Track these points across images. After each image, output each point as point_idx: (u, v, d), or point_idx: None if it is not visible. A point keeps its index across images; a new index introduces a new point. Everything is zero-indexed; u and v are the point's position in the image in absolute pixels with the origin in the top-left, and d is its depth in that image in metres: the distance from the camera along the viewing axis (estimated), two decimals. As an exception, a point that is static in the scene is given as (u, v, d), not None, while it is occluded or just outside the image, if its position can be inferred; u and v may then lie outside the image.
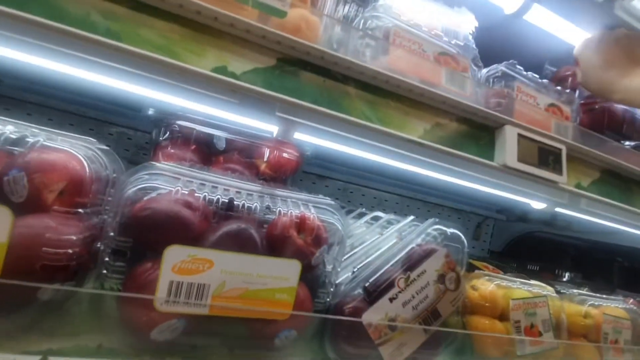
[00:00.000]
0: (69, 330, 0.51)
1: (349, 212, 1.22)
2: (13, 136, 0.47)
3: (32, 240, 0.46)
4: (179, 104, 0.62)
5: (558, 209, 0.85)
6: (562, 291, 0.97)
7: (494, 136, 0.61)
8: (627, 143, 0.95)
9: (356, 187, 1.76)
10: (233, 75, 0.45)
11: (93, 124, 1.39)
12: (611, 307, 0.94)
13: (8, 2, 0.37)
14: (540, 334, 0.78)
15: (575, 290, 0.93)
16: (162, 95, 0.56)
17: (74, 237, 0.49)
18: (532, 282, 0.89)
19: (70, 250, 0.48)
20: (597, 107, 0.97)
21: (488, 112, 0.59)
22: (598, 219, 1.15)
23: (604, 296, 0.96)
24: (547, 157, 0.62)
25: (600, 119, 0.95)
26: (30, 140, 0.48)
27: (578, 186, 0.69)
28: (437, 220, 0.72)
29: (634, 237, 1.41)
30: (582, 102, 1.00)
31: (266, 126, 0.64)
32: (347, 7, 0.75)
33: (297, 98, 0.48)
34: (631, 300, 1.24)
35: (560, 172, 0.64)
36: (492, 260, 1.61)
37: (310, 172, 1.64)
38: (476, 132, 0.61)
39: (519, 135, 0.60)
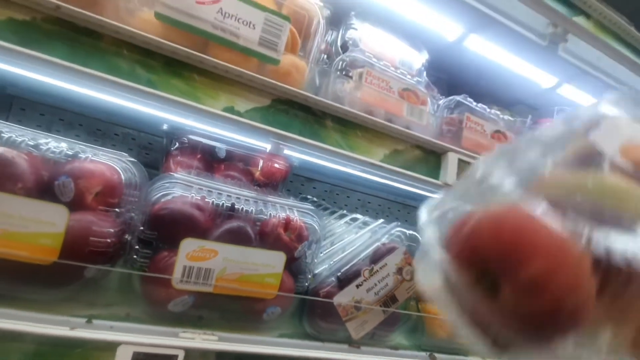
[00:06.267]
0: (104, 302, 0.66)
1: (332, 212, 1.38)
2: (70, 152, 0.61)
3: (83, 231, 0.60)
4: (194, 125, 0.77)
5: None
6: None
7: (441, 160, 0.78)
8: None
9: (342, 190, 1.92)
10: (238, 113, 0.60)
11: (101, 124, 1.50)
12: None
13: (76, 59, 0.52)
14: (481, 319, 0.95)
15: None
16: (182, 119, 0.70)
17: (111, 230, 0.63)
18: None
19: (109, 240, 0.63)
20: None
21: (436, 142, 0.76)
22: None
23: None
24: (482, 177, 0.78)
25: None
26: (82, 155, 0.62)
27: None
28: (399, 223, 0.88)
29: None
30: (531, 127, 1.17)
31: (263, 144, 0.79)
32: (329, 37, 0.92)
33: (286, 130, 0.63)
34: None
35: (492, 189, 0.80)
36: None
37: (300, 175, 1.79)
38: (426, 157, 0.77)
39: (459, 160, 0.76)
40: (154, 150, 1.49)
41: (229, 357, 0.63)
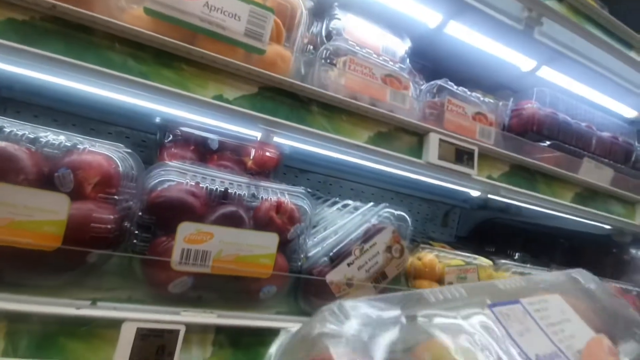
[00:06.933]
0: (107, 286, 0.69)
1: (325, 201, 1.42)
2: (68, 144, 0.65)
3: (84, 218, 0.64)
4: (185, 116, 0.80)
5: (490, 196, 1.06)
6: (496, 263, 1.19)
7: (423, 140, 0.82)
8: (547, 142, 1.17)
9: (335, 180, 1.96)
10: (227, 100, 0.63)
11: (94, 124, 1.52)
12: (533, 274, 1.17)
13: (71, 54, 0.55)
14: (469, 293, 0.99)
15: (502, 261, 1.15)
16: (173, 110, 0.73)
17: (111, 217, 0.67)
18: (470, 255, 1.11)
19: (109, 226, 0.66)
20: (524, 112, 1.19)
21: (417, 124, 0.80)
22: (537, 207, 1.38)
23: (528, 266, 1.18)
24: (462, 156, 0.83)
25: (526, 123, 1.17)
26: (81, 146, 0.65)
27: (489, 177, 0.90)
28: (387, 204, 0.92)
29: (572, 221, 1.64)
30: (513, 108, 1.22)
31: (252, 132, 0.82)
32: (314, 28, 0.95)
33: (273, 116, 0.66)
34: (563, 273, 1.48)
35: (472, 167, 0.84)
36: (457, 244, 1.82)
37: (293, 167, 1.83)
38: (409, 138, 0.81)
39: (440, 139, 0.80)
40: (148, 147, 1.52)
41: (228, 331, 0.67)
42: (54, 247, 0.62)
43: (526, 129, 1.16)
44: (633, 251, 1.60)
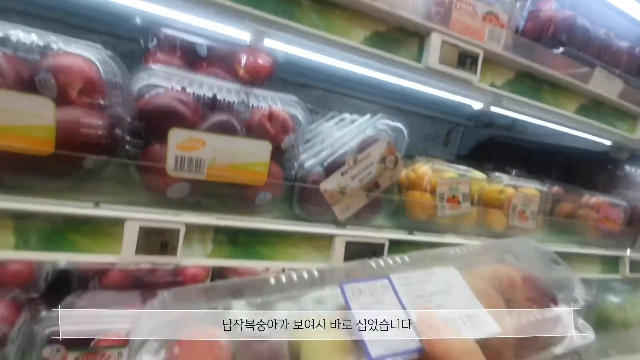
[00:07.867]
0: (107, 191, 0.72)
1: (323, 115, 1.39)
2: (41, 43, 0.60)
3: (73, 123, 0.63)
4: (163, 14, 0.73)
5: (492, 108, 1.03)
6: (490, 176, 1.21)
7: (424, 42, 0.75)
8: (561, 49, 1.08)
9: (335, 96, 1.89)
10: (206, -9, 0.57)
11: (78, 32, 1.42)
12: (525, 187, 1.19)
13: None
14: (459, 203, 1.03)
15: (496, 174, 1.17)
16: (149, 5, 0.66)
17: (100, 122, 0.66)
18: (464, 168, 1.12)
19: (99, 132, 0.66)
20: (541, 14, 1.08)
21: (419, 22, 0.72)
22: (538, 119, 1.34)
23: (521, 179, 1.20)
24: (465, 60, 0.77)
25: (542, 26, 1.07)
26: (55, 46, 0.61)
27: (492, 85, 0.86)
28: (383, 115, 0.90)
29: (572, 138, 1.62)
30: (531, 10, 1.10)
31: (240, 34, 0.76)
32: None
33: (258, 9, 0.60)
34: (555, 188, 1.52)
35: (475, 73, 0.79)
36: (457, 162, 1.83)
37: (292, 81, 1.75)
38: (409, 39, 0.74)
39: (443, 41, 0.74)
40: (137, 58, 1.44)
41: (227, 231, 0.71)
42: (48, 152, 0.62)
43: (541, 34, 1.06)
44: (627, 167, 1.61)
